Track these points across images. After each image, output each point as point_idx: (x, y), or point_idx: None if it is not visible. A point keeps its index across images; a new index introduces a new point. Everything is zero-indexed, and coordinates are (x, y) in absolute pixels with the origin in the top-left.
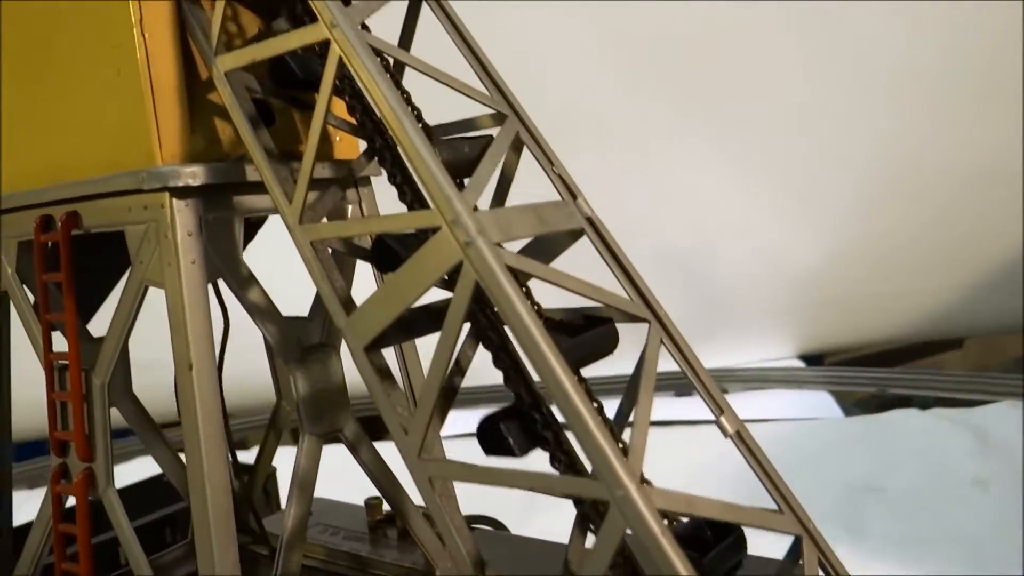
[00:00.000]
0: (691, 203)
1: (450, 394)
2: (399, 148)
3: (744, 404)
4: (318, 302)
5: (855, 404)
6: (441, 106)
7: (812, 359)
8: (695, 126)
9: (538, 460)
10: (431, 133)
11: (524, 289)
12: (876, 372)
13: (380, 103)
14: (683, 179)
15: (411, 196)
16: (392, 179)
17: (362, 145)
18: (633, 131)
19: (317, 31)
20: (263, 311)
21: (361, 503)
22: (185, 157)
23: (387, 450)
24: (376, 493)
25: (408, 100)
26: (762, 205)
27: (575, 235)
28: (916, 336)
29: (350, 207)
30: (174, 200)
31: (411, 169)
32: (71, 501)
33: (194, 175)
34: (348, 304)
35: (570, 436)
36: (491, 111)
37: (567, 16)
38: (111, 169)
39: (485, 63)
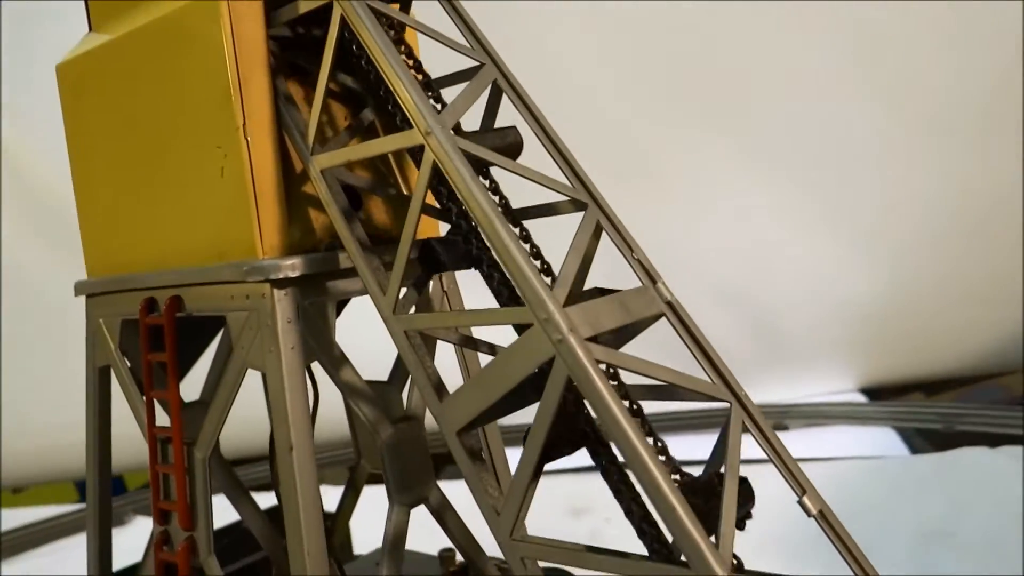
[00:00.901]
0: (747, 238)
1: (539, 475)
2: (491, 248)
3: (805, 441)
4: (398, 366)
5: (918, 433)
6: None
7: (874, 392)
8: (751, 160)
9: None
10: (517, 219)
11: (611, 371)
12: (941, 407)
13: (474, 209)
14: (739, 214)
15: (498, 280)
16: (478, 266)
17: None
18: (687, 166)
19: (412, 137)
20: (354, 388)
21: (429, 550)
22: (284, 249)
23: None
24: (448, 544)
25: (496, 190)
26: (820, 239)
27: (656, 318)
28: (980, 368)
29: (431, 283)
30: (275, 291)
31: (503, 266)
32: None
33: (293, 267)
34: (440, 388)
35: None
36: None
37: (613, 47)
38: (214, 259)
39: (564, 152)
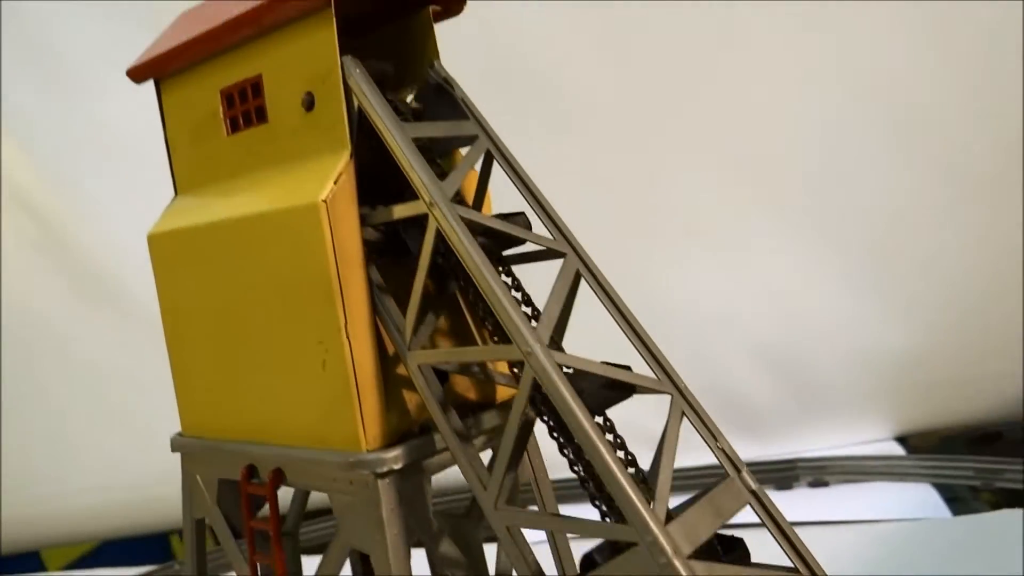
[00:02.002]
0: (778, 291)
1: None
2: (591, 464)
3: (845, 500)
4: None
5: (957, 489)
6: None
7: (909, 439)
8: (781, 214)
9: None
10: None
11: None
12: (981, 462)
13: (591, 456)
14: (769, 268)
15: (593, 487)
16: (572, 467)
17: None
18: (716, 222)
19: (510, 352)
20: (451, 560)
21: None
22: (384, 438)
23: None
24: None
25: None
26: (852, 291)
27: (741, 508)
28: (1014, 416)
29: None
30: (379, 480)
31: (604, 484)
32: None
33: (396, 459)
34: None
35: None
36: (653, 378)
37: (638, 99)
38: (316, 443)
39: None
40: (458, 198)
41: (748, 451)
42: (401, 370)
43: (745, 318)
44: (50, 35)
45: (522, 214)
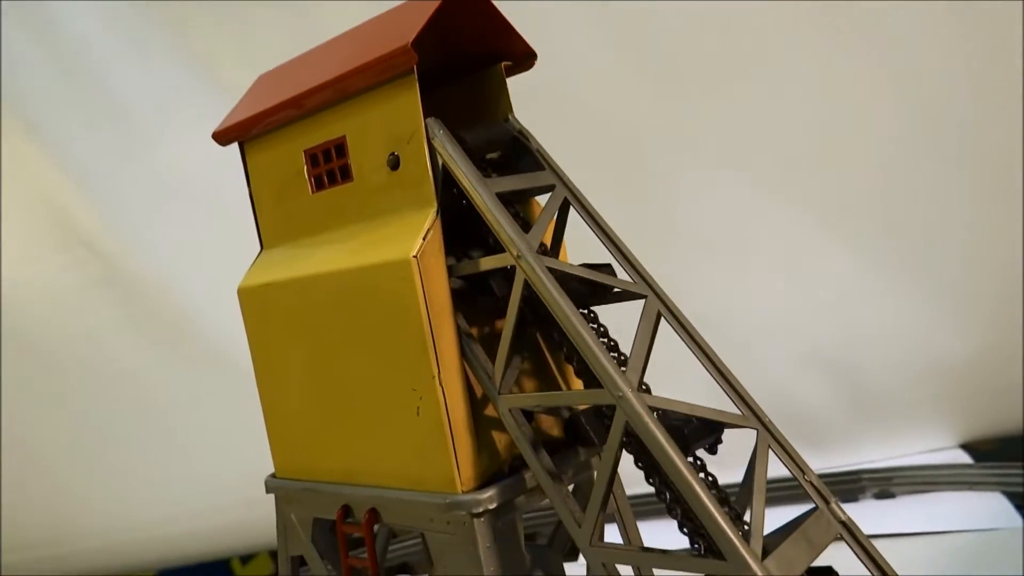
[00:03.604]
0: (835, 299)
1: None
2: (683, 498)
3: (913, 511)
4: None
5: None
6: None
7: (975, 447)
8: (837, 221)
9: None
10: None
11: None
12: None
13: (687, 495)
14: (826, 275)
15: (681, 515)
16: (658, 495)
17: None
18: (771, 230)
19: (601, 396)
20: None
21: None
22: (477, 479)
23: None
24: None
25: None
26: (910, 297)
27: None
28: None
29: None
30: (475, 520)
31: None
32: None
33: (491, 499)
34: None
35: None
36: (738, 414)
37: (687, 113)
38: (411, 484)
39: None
40: (541, 248)
41: (811, 462)
42: (490, 411)
43: (802, 328)
44: (115, 83)
45: (608, 265)
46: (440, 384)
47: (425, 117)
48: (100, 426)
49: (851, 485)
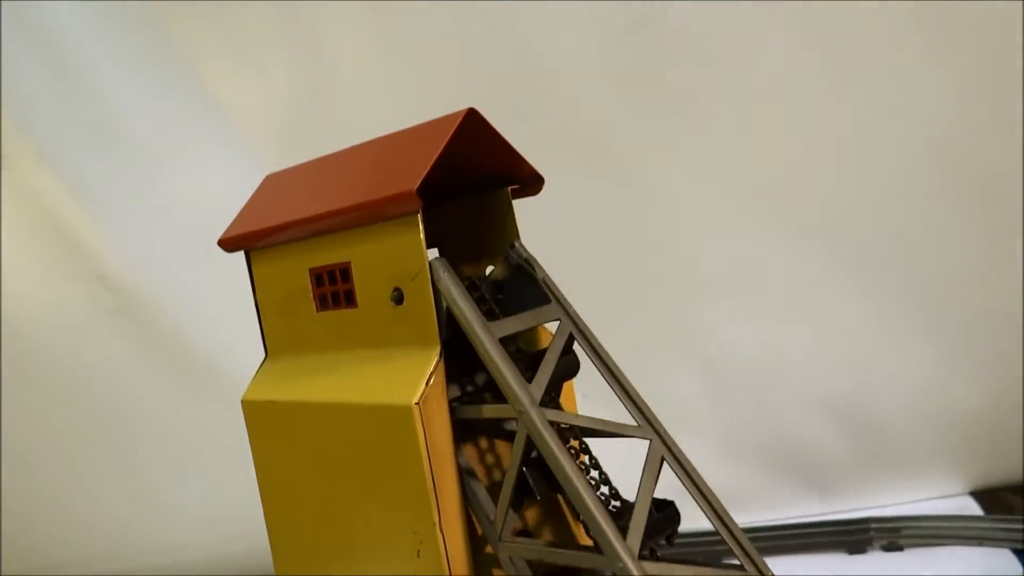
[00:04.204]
0: (844, 343)
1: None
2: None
3: (922, 565)
4: None
5: None
6: None
7: (985, 494)
8: (845, 266)
9: None
10: None
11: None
12: None
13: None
14: (836, 321)
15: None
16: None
17: None
18: (782, 274)
19: (605, 561)
20: None
21: None
22: None
23: None
24: None
25: None
26: (919, 342)
27: None
28: None
29: None
30: None
31: None
32: None
33: None
34: None
35: None
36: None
37: (704, 164)
38: None
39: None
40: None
41: (816, 507)
42: (489, 548)
43: (810, 370)
44: (128, 112)
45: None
46: (440, 531)
47: (434, 243)
48: (103, 453)
49: (859, 536)
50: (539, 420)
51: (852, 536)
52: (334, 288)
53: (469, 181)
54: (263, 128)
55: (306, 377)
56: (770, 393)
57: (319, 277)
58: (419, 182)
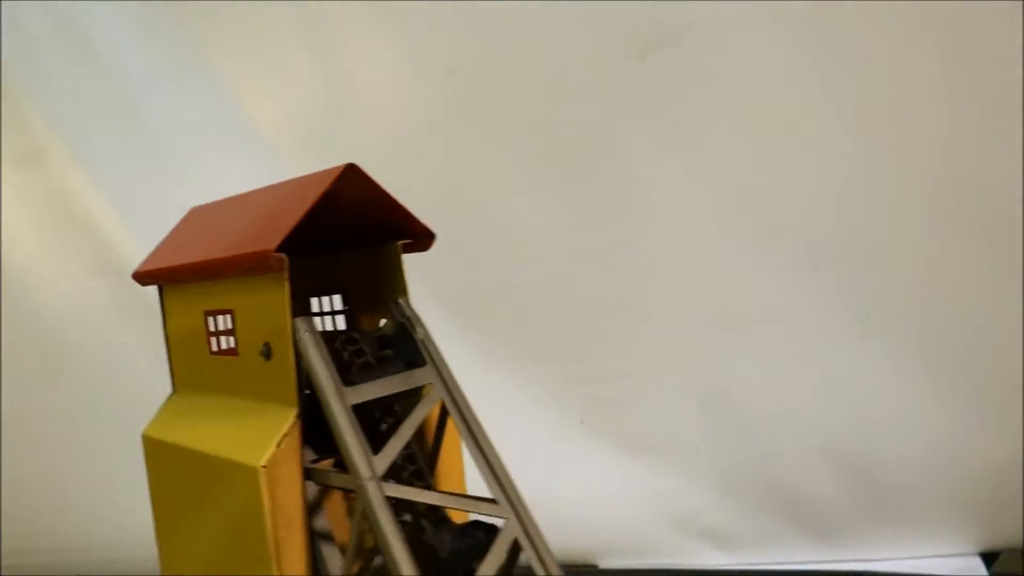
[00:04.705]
0: (852, 392)
1: None
2: None
3: None
4: None
5: None
6: None
7: (995, 557)
8: (852, 312)
9: None
10: None
11: None
12: None
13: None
14: (843, 367)
15: None
16: None
17: None
18: (784, 315)
19: None
20: None
21: None
22: None
23: None
24: None
25: None
26: (929, 394)
27: None
28: None
29: None
30: None
31: None
32: None
33: None
34: None
35: None
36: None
37: (710, 193)
38: None
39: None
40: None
41: (815, 554)
42: None
43: (812, 412)
44: (157, 116)
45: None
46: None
47: (337, 290)
48: (114, 442)
49: None
50: (374, 496)
51: None
52: (223, 334)
53: (368, 231)
54: (285, 130)
55: (192, 419)
56: (769, 432)
57: (212, 320)
58: (278, 243)
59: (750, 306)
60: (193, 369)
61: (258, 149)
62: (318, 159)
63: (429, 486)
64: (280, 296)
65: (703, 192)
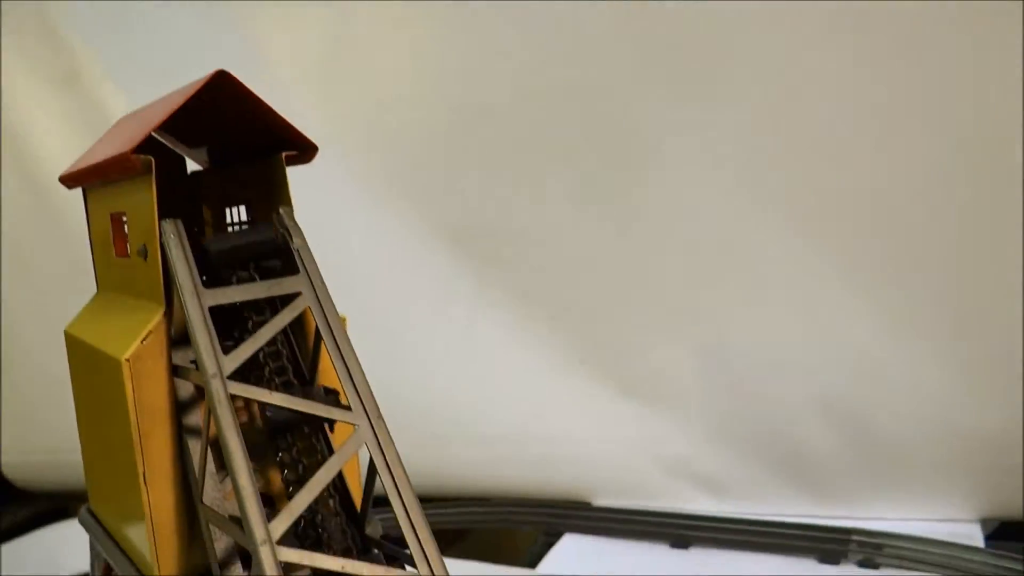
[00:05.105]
0: (856, 352)
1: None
2: None
3: None
4: None
5: None
6: None
7: (1000, 526)
8: (865, 274)
9: None
10: None
11: None
12: None
13: None
14: (849, 327)
15: None
16: None
17: None
18: (784, 269)
19: (246, 540)
20: None
21: None
22: (181, 571)
23: None
24: None
25: None
26: (935, 354)
27: None
28: None
29: None
30: None
31: None
32: None
33: None
34: None
35: None
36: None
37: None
38: (136, 558)
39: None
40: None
41: (807, 508)
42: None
43: (813, 370)
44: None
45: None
46: (144, 484)
47: (241, 201)
48: None
49: (836, 546)
50: (217, 392)
51: (828, 544)
52: (120, 236)
53: (257, 145)
54: (300, 71)
55: (97, 316)
56: (767, 385)
57: (114, 223)
58: (134, 146)
59: (751, 255)
60: (107, 269)
61: (278, 90)
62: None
63: (287, 385)
64: (148, 197)
65: (719, 146)
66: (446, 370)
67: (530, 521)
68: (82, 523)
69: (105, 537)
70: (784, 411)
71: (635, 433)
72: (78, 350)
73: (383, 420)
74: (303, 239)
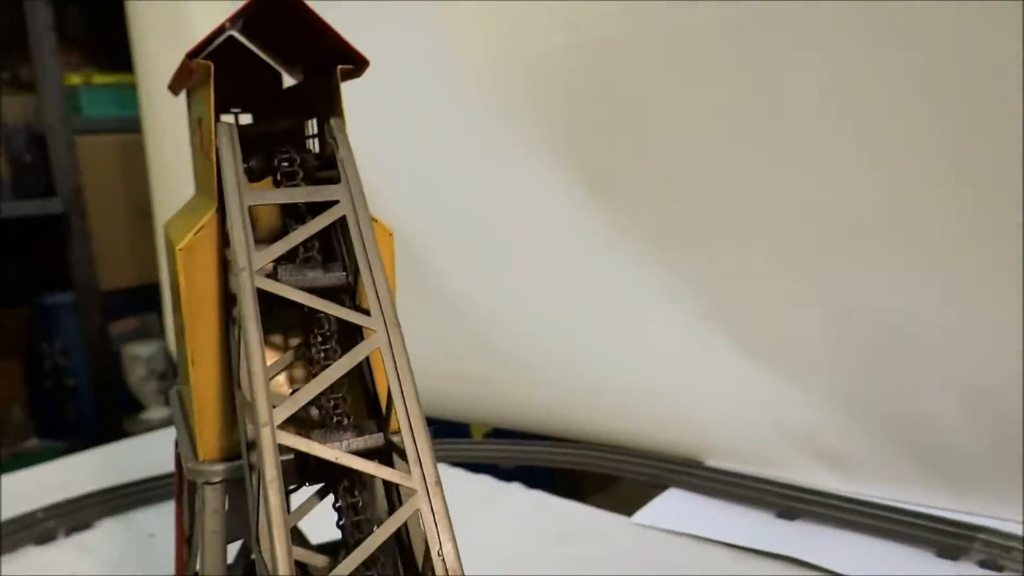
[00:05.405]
0: (1008, 320)
1: None
2: None
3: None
4: None
5: None
6: None
7: None
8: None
9: None
10: None
11: None
12: None
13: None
14: (1004, 289)
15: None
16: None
17: None
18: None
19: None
20: None
21: None
22: (220, 453)
23: None
24: None
25: None
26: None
27: None
28: None
29: None
30: (205, 486)
31: None
32: None
33: (217, 473)
34: None
35: None
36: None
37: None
38: (188, 440)
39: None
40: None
41: (931, 499)
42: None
43: (963, 356)
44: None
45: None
46: (191, 364)
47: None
48: None
49: (959, 541)
50: (245, 283)
51: (950, 539)
52: (202, 137)
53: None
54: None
55: (182, 213)
56: (905, 364)
57: (199, 127)
58: (191, 52)
59: (902, 219)
60: (199, 171)
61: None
62: None
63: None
64: (208, 101)
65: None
66: (575, 320)
67: (638, 472)
68: (169, 403)
69: (180, 416)
70: (921, 393)
71: (754, 396)
72: (165, 241)
73: (399, 328)
74: (349, 151)
